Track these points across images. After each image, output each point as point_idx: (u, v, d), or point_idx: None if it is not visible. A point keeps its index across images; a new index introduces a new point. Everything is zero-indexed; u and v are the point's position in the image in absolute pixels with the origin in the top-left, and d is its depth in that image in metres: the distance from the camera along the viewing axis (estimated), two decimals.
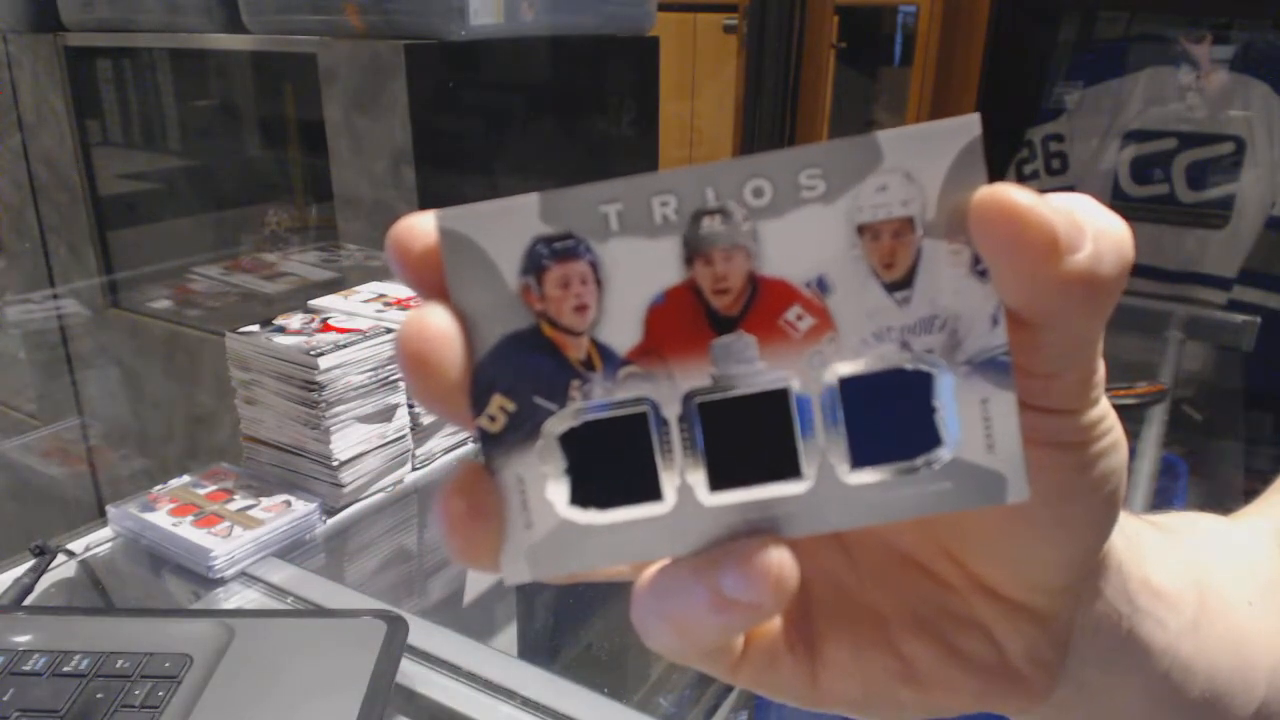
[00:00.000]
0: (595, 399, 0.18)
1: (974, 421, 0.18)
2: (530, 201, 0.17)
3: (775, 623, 0.22)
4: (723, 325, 0.18)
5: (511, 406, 0.18)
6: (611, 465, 0.18)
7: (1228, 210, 1.86)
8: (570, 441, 0.18)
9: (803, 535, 0.18)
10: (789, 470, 0.18)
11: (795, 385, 0.18)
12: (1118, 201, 1.93)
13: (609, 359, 0.18)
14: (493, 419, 0.18)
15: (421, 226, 0.17)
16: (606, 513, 0.18)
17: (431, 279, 0.17)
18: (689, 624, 0.19)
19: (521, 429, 0.18)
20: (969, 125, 0.17)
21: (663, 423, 0.18)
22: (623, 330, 0.18)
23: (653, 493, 0.18)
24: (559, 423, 0.18)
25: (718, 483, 0.18)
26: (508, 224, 0.17)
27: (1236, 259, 1.87)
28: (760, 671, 0.22)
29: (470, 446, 0.92)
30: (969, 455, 0.18)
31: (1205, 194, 1.87)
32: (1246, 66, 1.82)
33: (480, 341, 0.18)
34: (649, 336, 0.18)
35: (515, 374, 0.18)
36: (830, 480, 0.18)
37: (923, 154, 0.17)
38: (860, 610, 0.23)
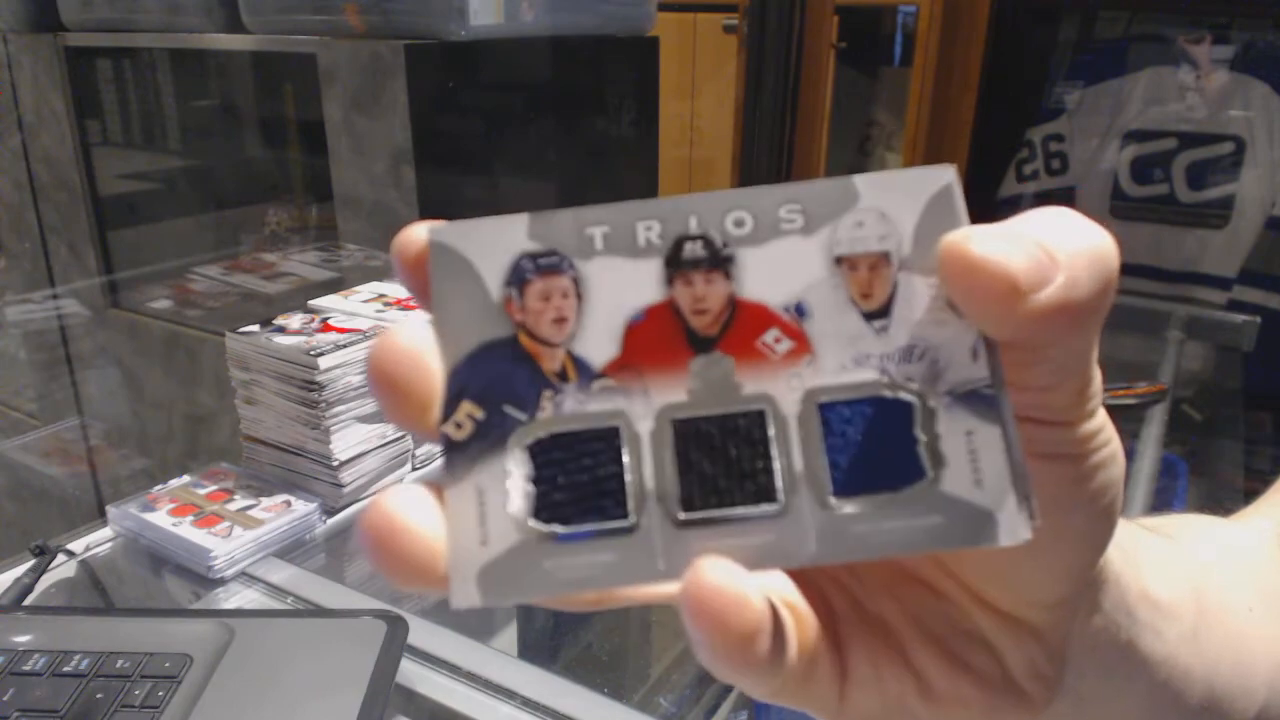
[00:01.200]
0: (566, 410, 0.17)
1: (959, 454, 0.17)
2: (519, 220, 0.18)
3: (815, 632, 0.21)
4: (701, 345, 0.18)
5: (480, 414, 0.17)
6: (578, 480, 0.17)
7: (1228, 210, 1.86)
8: (537, 453, 0.17)
9: (782, 567, 0.18)
10: (764, 494, 0.17)
11: (773, 406, 0.17)
12: (1118, 201, 1.94)
13: (584, 371, 0.18)
14: (459, 426, 0.17)
15: (417, 234, 0.18)
16: (569, 530, 0.17)
17: (425, 285, 0.18)
18: (719, 671, 0.17)
19: (488, 438, 0.17)
20: (941, 174, 0.18)
21: (635, 438, 0.17)
22: (600, 344, 0.18)
23: (620, 511, 0.17)
24: (527, 433, 0.17)
25: (689, 504, 0.17)
26: (495, 239, 0.18)
27: (1236, 259, 1.87)
28: (797, 685, 0.21)
29: None
30: (955, 489, 0.17)
31: (1205, 194, 1.87)
32: (1246, 66, 1.82)
33: (457, 348, 0.17)
34: (626, 352, 0.18)
35: (487, 381, 0.17)
36: (809, 508, 0.17)
37: (896, 199, 0.18)
38: (874, 623, 0.22)
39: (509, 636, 0.76)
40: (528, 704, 0.59)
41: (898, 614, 0.22)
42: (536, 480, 0.17)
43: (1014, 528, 0.17)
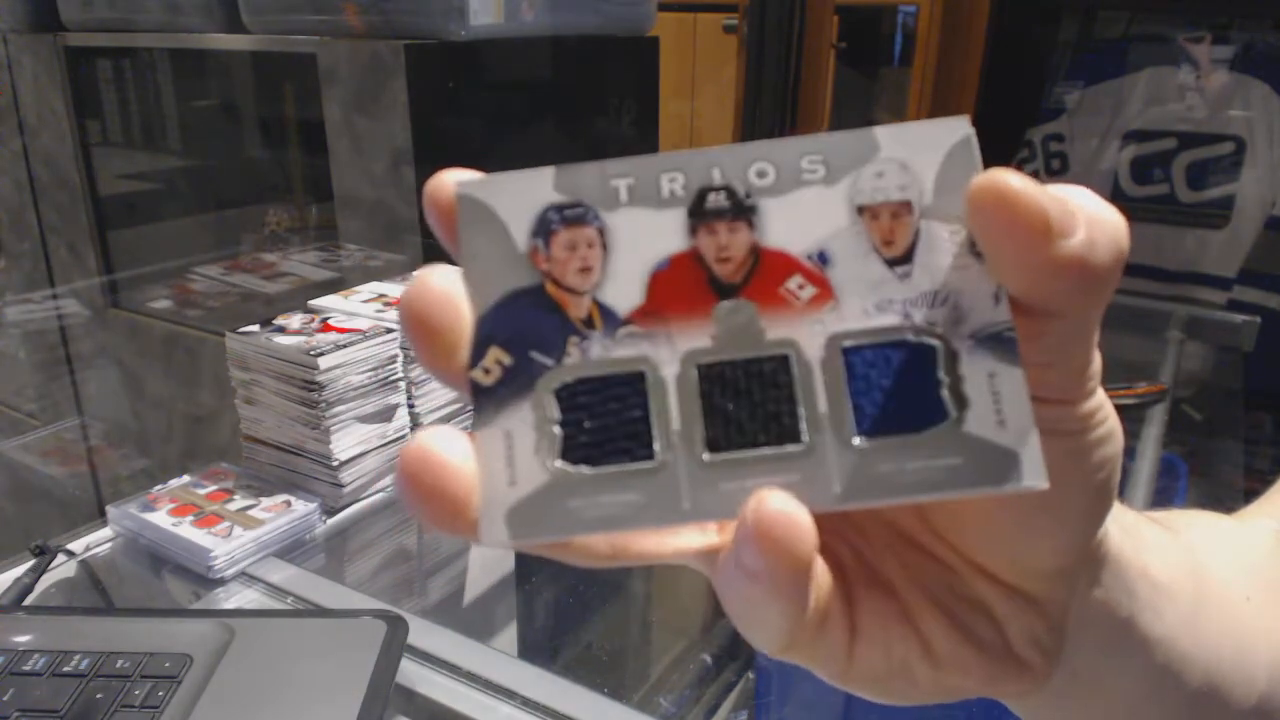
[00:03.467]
0: (593, 355, 0.18)
1: (982, 396, 0.17)
2: (545, 173, 0.18)
3: (829, 587, 0.21)
4: (725, 291, 0.18)
5: (507, 360, 0.18)
6: (605, 423, 0.18)
7: (1228, 210, 1.86)
8: (564, 397, 0.18)
9: (809, 509, 0.17)
10: (789, 435, 0.17)
11: (797, 351, 0.18)
12: (1118, 201, 1.92)
13: (609, 318, 0.18)
14: (487, 371, 0.18)
15: (447, 183, 0.18)
16: (596, 471, 0.17)
17: (455, 233, 0.18)
18: (755, 609, 0.18)
19: (515, 382, 0.18)
20: (959, 125, 0.18)
21: (660, 383, 0.18)
22: (625, 292, 0.18)
23: (645, 453, 0.17)
24: (554, 378, 0.18)
25: (714, 445, 0.17)
26: (522, 192, 0.18)
27: (1236, 259, 1.87)
28: (810, 638, 0.21)
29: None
30: (979, 429, 0.17)
31: (1205, 194, 1.87)
32: (1246, 66, 1.82)
33: (484, 296, 0.18)
34: (651, 299, 0.18)
35: (515, 327, 0.18)
36: (833, 448, 0.17)
37: (917, 149, 0.18)
38: (883, 584, 0.22)
39: (509, 636, 0.76)
40: (528, 704, 0.59)
41: (904, 577, 0.22)
42: (564, 423, 0.18)
43: (1036, 469, 0.17)
